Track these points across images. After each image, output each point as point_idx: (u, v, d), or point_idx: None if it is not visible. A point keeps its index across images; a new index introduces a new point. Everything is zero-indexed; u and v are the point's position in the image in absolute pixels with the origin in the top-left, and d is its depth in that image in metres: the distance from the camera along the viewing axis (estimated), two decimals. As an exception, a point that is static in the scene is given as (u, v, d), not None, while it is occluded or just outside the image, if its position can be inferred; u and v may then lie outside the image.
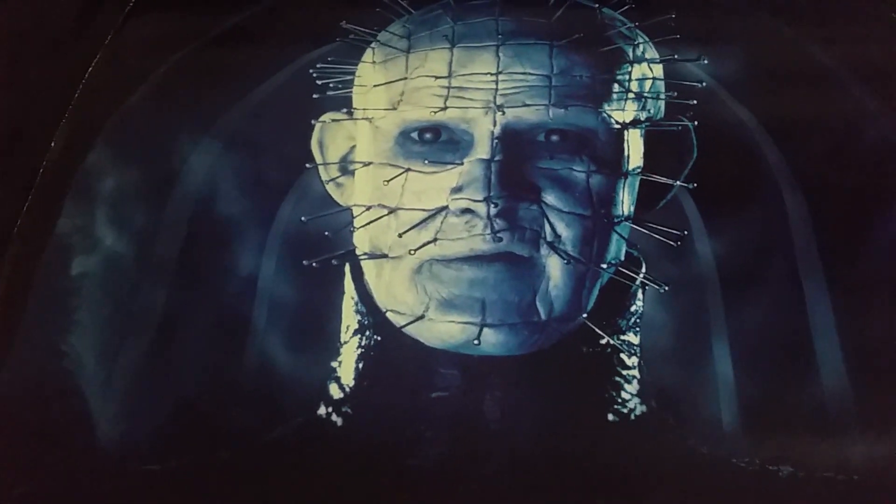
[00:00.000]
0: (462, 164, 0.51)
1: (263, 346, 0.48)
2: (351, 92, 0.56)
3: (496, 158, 0.51)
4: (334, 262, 0.50)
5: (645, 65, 0.55)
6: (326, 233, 0.51)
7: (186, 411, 0.46)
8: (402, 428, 0.45)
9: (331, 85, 0.57)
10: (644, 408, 0.45)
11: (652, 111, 0.54)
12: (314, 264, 0.50)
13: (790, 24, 0.59)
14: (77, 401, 0.47)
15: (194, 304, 0.50)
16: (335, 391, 0.46)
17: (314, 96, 0.56)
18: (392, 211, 0.51)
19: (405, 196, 0.51)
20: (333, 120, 0.55)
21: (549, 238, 0.49)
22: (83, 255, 0.52)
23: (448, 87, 0.54)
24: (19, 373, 0.49)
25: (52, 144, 0.57)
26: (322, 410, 0.46)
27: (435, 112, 0.53)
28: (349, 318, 0.49)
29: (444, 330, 0.48)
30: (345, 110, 0.56)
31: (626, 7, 0.58)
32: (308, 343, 0.48)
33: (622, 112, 0.53)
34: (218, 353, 0.48)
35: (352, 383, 0.47)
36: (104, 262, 0.52)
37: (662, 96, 0.54)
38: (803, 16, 0.59)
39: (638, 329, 0.47)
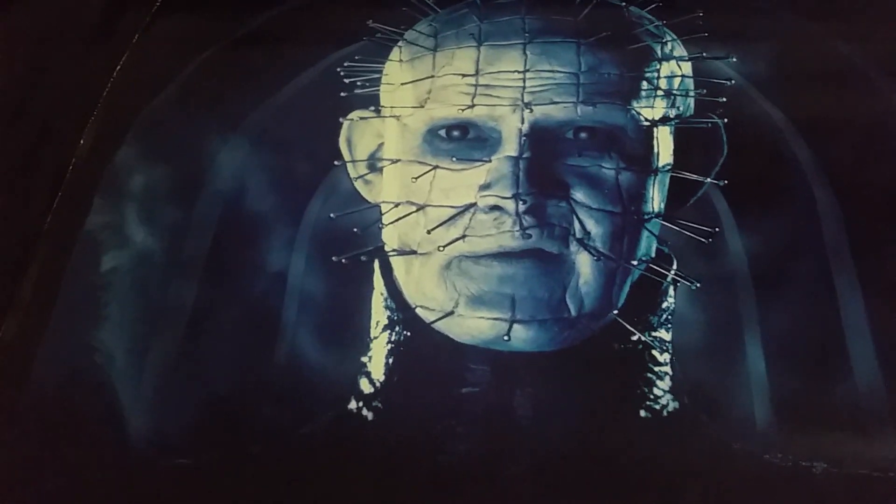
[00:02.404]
0: (490, 161, 0.51)
1: (294, 342, 0.48)
2: (378, 90, 0.57)
3: (524, 156, 0.51)
4: (363, 258, 0.50)
5: (673, 62, 0.55)
6: (355, 229, 0.51)
7: (217, 406, 0.46)
8: (433, 423, 0.45)
9: (358, 83, 0.57)
10: (676, 404, 0.45)
11: (681, 108, 0.54)
12: (343, 261, 0.50)
13: (818, 21, 0.58)
14: (108, 396, 0.47)
15: (224, 301, 0.50)
16: (366, 386, 0.46)
17: (342, 94, 0.56)
18: (420, 208, 0.51)
19: (433, 193, 0.51)
20: (361, 118, 0.56)
21: (578, 235, 0.49)
22: (113, 252, 0.52)
23: (475, 85, 0.54)
24: (50, 368, 0.49)
25: (82, 142, 0.57)
26: (353, 405, 0.46)
27: (462, 110, 0.53)
28: (379, 313, 0.49)
29: (473, 326, 0.48)
30: (372, 108, 0.56)
31: (654, 5, 0.58)
32: (338, 339, 0.48)
33: (651, 109, 0.53)
34: (248, 348, 0.48)
35: (382, 378, 0.47)
36: (134, 259, 0.52)
37: (692, 94, 0.54)
38: (831, 13, 0.59)
39: (670, 326, 0.47)
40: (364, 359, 0.47)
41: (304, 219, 0.52)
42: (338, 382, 0.47)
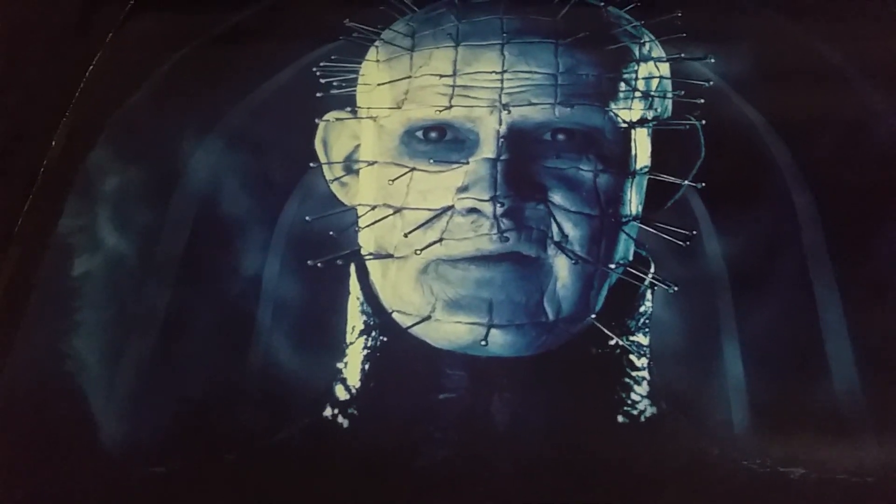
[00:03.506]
0: (468, 163, 0.51)
1: (268, 347, 0.47)
2: (355, 91, 0.56)
3: (502, 158, 0.50)
4: (339, 262, 0.50)
5: (651, 63, 0.55)
6: (331, 232, 0.51)
7: (191, 413, 0.46)
8: (409, 429, 0.45)
9: (334, 83, 0.56)
10: (654, 409, 0.44)
11: (659, 110, 0.54)
12: (319, 264, 0.50)
13: (797, 22, 0.58)
14: (80, 403, 0.47)
15: (198, 305, 0.49)
16: (341, 392, 0.46)
17: (318, 95, 0.56)
18: (397, 210, 0.51)
19: (410, 195, 0.51)
20: (337, 119, 0.55)
21: (556, 238, 0.49)
22: (85, 255, 0.51)
23: (453, 86, 0.53)
24: (20, 375, 0.48)
25: (53, 143, 0.56)
26: (328, 412, 0.45)
27: (440, 111, 0.52)
28: (355, 318, 0.48)
29: (451, 331, 0.47)
30: (349, 109, 0.55)
31: (632, 5, 0.58)
32: (313, 344, 0.48)
33: (629, 111, 0.52)
34: (222, 354, 0.47)
35: (358, 384, 0.46)
36: (106, 262, 0.51)
37: (669, 95, 0.54)
38: (811, 14, 0.59)
39: (647, 330, 0.47)
40: (340, 364, 0.47)
41: (279, 221, 0.52)
42: (313, 389, 0.46)
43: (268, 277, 0.50)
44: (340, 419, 0.45)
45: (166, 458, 0.45)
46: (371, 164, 0.53)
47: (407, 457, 0.44)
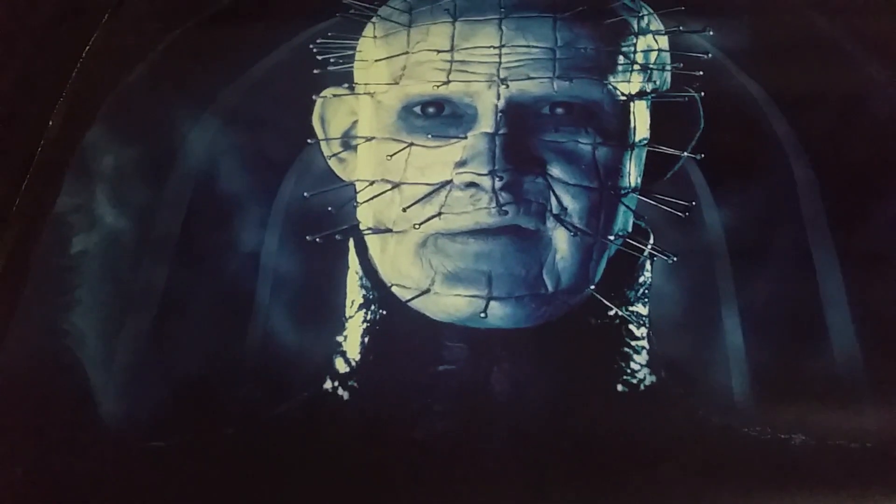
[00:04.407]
0: (466, 137, 0.50)
1: (267, 322, 0.47)
2: (352, 67, 0.56)
3: (500, 132, 0.50)
4: (338, 237, 0.50)
5: (650, 36, 0.54)
6: (329, 208, 0.51)
7: (191, 388, 0.46)
8: (409, 401, 0.45)
9: (331, 60, 0.56)
10: (654, 378, 0.44)
11: (658, 83, 0.53)
12: (317, 240, 0.49)
13: (796, -6, 0.58)
14: (79, 379, 0.47)
15: (197, 281, 0.49)
16: (341, 365, 0.46)
17: (315, 72, 0.56)
18: (395, 186, 0.51)
19: (408, 171, 0.51)
20: (335, 95, 0.55)
21: (555, 210, 0.49)
22: (83, 234, 0.51)
23: (451, 61, 0.53)
24: (20, 352, 0.48)
25: (51, 124, 0.56)
26: (328, 385, 0.45)
27: (437, 86, 0.52)
28: (354, 292, 0.48)
29: (450, 303, 0.47)
30: (346, 85, 0.55)
31: (630, -22, 0.58)
32: (313, 318, 0.48)
33: (627, 84, 0.52)
34: (222, 329, 0.47)
35: (358, 358, 0.46)
36: (104, 240, 0.51)
37: (668, 68, 0.54)
38: (809, -14, 0.58)
39: (647, 300, 0.47)
40: (339, 338, 0.47)
41: (277, 198, 0.52)
42: (313, 362, 0.46)
43: (266, 253, 0.50)
44: (341, 391, 0.45)
45: (166, 433, 0.45)
46: (369, 139, 0.53)
47: (407, 428, 0.44)
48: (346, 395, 0.45)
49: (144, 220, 0.51)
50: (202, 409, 0.45)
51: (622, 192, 0.50)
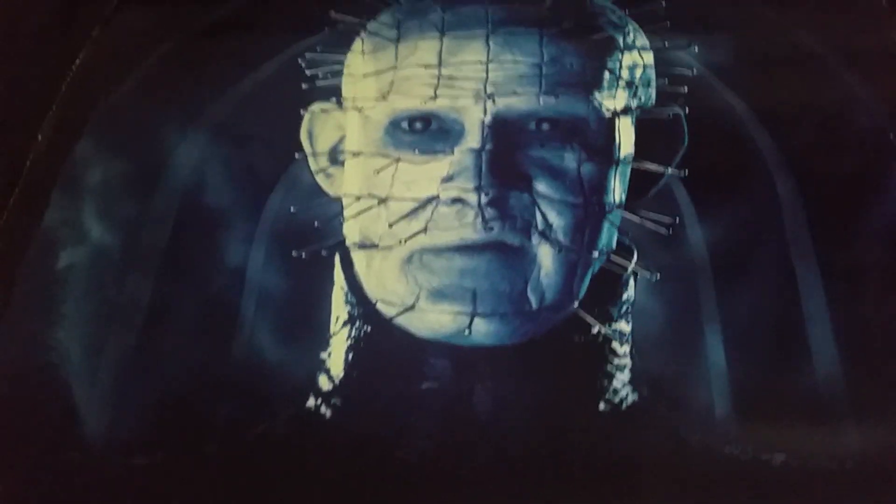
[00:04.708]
0: (453, 153, 0.51)
1: (252, 339, 0.47)
2: (340, 82, 0.56)
3: (487, 147, 0.50)
4: (324, 252, 0.50)
5: (635, 52, 0.55)
6: (316, 223, 0.51)
7: (174, 404, 0.46)
8: (392, 419, 0.44)
9: (319, 75, 0.56)
10: (636, 396, 0.44)
11: (643, 99, 0.54)
12: (303, 255, 0.50)
13: (779, 10, 0.58)
14: (63, 394, 0.47)
15: (182, 297, 0.49)
16: (324, 383, 0.46)
17: (303, 86, 0.56)
18: (382, 201, 0.51)
19: (395, 186, 0.51)
20: (322, 110, 0.55)
21: (540, 227, 0.49)
22: (70, 248, 0.51)
23: (438, 76, 0.53)
24: (3, 367, 0.48)
25: (39, 137, 0.56)
26: (311, 402, 0.45)
27: (425, 101, 0.52)
28: (339, 308, 0.48)
29: (434, 320, 0.47)
30: (334, 100, 0.55)
31: (617, -6, 0.58)
32: (297, 335, 0.47)
33: (613, 100, 0.52)
34: (206, 345, 0.47)
35: (341, 374, 0.46)
36: (91, 255, 0.51)
37: (653, 84, 0.54)
38: (793, 3, 0.59)
39: (630, 317, 0.47)
40: (323, 355, 0.47)
41: (263, 213, 0.52)
42: (296, 379, 0.46)
43: (252, 269, 0.50)
44: (323, 409, 0.45)
45: (148, 450, 0.45)
46: (356, 154, 0.53)
47: (390, 446, 0.44)
48: (328, 412, 0.45)
49: (131, 234, 0.51)
50: (185, 425, 0.45)
51: (607, 208, 0.50)
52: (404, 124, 0.52)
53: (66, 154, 0.55)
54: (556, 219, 0.49)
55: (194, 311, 0.48)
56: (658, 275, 0.48)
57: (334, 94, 0.56)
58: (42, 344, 0.48)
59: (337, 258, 0.50)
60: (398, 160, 0.52)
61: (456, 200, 0.49)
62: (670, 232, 0.49)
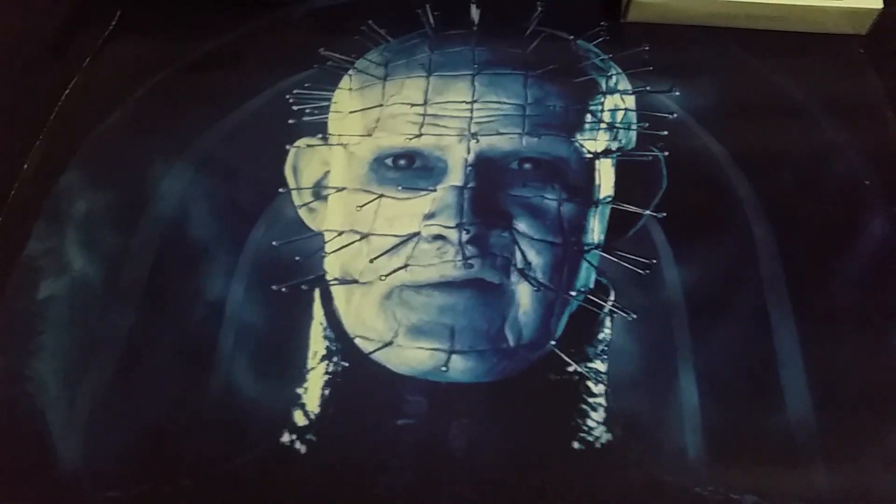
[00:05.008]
0: (435, 190, 0.51)
1: (229, 373, 0.47)
2: (326, 118, 0.57)
3: (469, 185, 0.51)
4: (304, 287, 0.50)
5: (617, 96, 0.56)
6: (297, 258, 0.51)
7: (150, 437, 0.45)
8: (367, 456, 0.44)
9: (307, 111, 0.57)
10: (609, 436, 0.44)
11: (623, 141, 0.54)
12: (283, 289, 0.50)
13: (760, 58, 0.59)
14: (39, 426, 0.46)
15: (161, 330, 0.49)
16: (300, 418, 0.46)
17: (290, 121, 0.56)
18: (364, 237, 0.51)
19: (378, 222, 0.52)
20: (308, 145, 0.56)
21: (519, 265, 0.49)
22: (51, 279, 0.51)
23: (423, 115, 0.54)
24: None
25: (26, 166, 0.57)
26: (286, 438, 0.45)
27: (410, 139, 0.53)
28: (317, 343, 0.48)
29: (412, 356, 0.47)
30: (320, 136, 0.56)
31: (601, 39, 0.59)
32: (274, 369, 0.47)
33: (594, 141, 0.53)
34: (183, 379, 0.47)
35: (317, 410, 0.46)
36: (72, 286, 0.51)
37: (634, 127, 0.55)
38: (773, 50, 0.60)
39: (606, 357, 0.47)
40: (300, 390, 0.47)
41: (245, 246, 0.52)
42: (272, 414, 0.46)
43: (231, 302, 0.50)
44: (298, 445, 0.45)
45: (124, 483, 0.44)
46: (340, 190, 0.53)
47: (365, 483, 0.43)
48: (303, 448, 0.45)
49: (113, 266, 0.51)
50: (160, 459, 0.45)
51: (585, 248, 0.50)
52: (388, 161, 0.53)
53: (52, 184, 0.56)
54: (535, 257, 0.49)
55: (173, 344, 0.48)
56: (634, 315, 0.48)
57: (320, 129, 0.56)
58: (19, 374, 0.48)
59: (317, 293, 0.50)
60: (381, 196, 0.52)
61: (437, 237, 0.50)
62: (647, 273, 0.49)
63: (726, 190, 0.53)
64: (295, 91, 0.58)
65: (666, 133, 0.54)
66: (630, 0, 0.59)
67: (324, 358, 0.48)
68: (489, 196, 0.51)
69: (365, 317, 0.49)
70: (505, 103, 0.55)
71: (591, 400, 0.45)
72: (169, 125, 0.58)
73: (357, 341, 0.48)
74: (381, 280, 0.49)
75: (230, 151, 0.56)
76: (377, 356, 0.47)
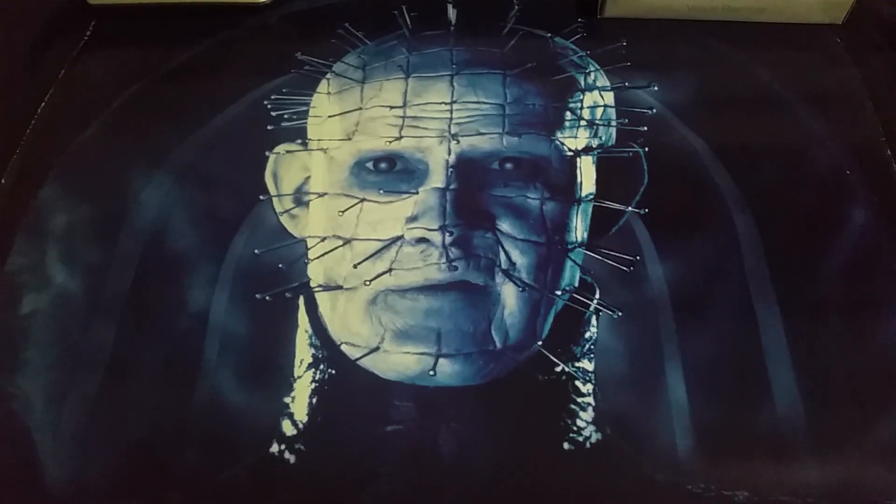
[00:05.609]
0: (417, 193, 0.51)
1: (215, 384, 0.47)
2: (305, 123, 0.56)
3: (451, 187, 0.51)
4: (288, 295, 0.50)
5: (596, 92, 0.56)
6: (280, 265, 0.51)
7: (137, 451, 0.45)
8: (357, 463, 0.44)
9: (285, 116, 0.57)
10: (599, 435, 0.44)
11: (603, 138, 0.54)
12: (267, 298, 0.49)
13: (739, 49, 0.60)
14: (25, 443, 0.46)
15: (145, 342, 0.48)
16: (288, 428, 0.45)
17: (268, 128, 0.56)
18: (347, 242, 0.51)
19: (360, 226, 0.51)
20: (288, 151, 0.55)
21: (503, 266, 0.49)
22: (33, 294, 0.51)
23: (403, 117, 0.54)
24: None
25: (3, 181, 0.56)
26: (275, 448, 0.45)
27: (390, 142, 0.53)
28: (303, 351, 0.48)
29: (399, 361, 0.47)
30: (299, 141, 0.56)
31: (578, 36, 0.59)
32: (260, 379, 0.47)
33: (574, 139, 0.53)
34: (168, 391, 0.47)
35: (305, 419, 0.46)
36: (54, 300, 0.50)
37: (614, 123, 0.55)
38: (752, 42, 0.60)
39: (593, 355, 0.47)
40: (287, 399, 0.46)
41: (227, 255, 0.51)
42: (259, 425, 0.45)
43: (215, 312, 0.49)
44: (287, 455, 0.44)
45: (111, 498, 0.44)
46: (321, 195, 0.53)
47: (354, 491, 0.43)
48: (292, 458, 0.44)
49: (95, 279, 0.51)
50: (148, 473, 0.44)
51: (569, 246, 0.50)
52: (369, 165, 0.53)
53: (31, 198, 0.55)
54: (519, 258, 0.49)
55: (157, 357, 0.48)
56: (620, 312, 0.48)
57: (300, 135, 0.56)
58: (3, 392, 0.47)
59: (301, 300, 0.49)
60: (363, 200, 0.52)
61: (420, 240, 0.50)
62: (631, 269, 0.49)
63: (707, 184, 0.53)
64: (273, 97, 0.58)
65: (646, 128, 0.54)
66: (606, -4, 0.59)
67: (310, 366, 0.47)
68: (471, 197, 0.51)
69: (350, 323, 0.48)
70: (484, 103, 0.55)
71: (579, 399, 0.45)
72: (147, 136, 0.57)
73: (343, 348, 0.48)
74: (366, 285, 0.49)
75: (209, 160, 0.56)
76: (364, 362, 0.47)
